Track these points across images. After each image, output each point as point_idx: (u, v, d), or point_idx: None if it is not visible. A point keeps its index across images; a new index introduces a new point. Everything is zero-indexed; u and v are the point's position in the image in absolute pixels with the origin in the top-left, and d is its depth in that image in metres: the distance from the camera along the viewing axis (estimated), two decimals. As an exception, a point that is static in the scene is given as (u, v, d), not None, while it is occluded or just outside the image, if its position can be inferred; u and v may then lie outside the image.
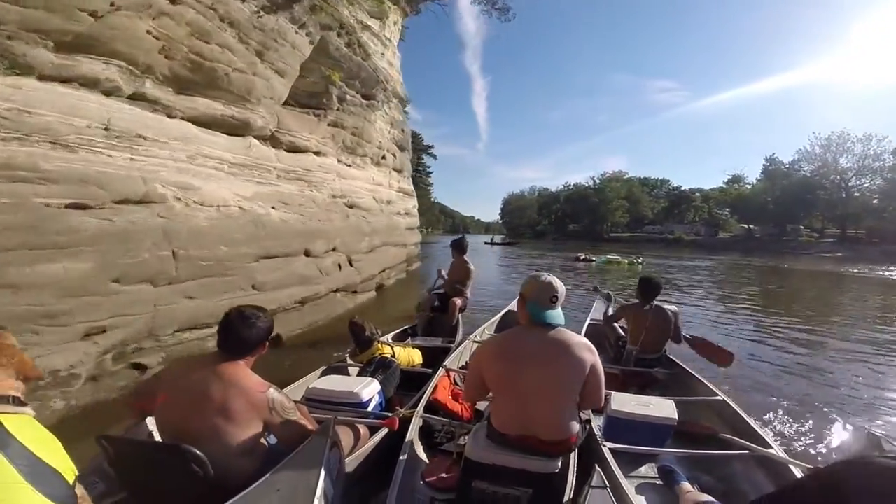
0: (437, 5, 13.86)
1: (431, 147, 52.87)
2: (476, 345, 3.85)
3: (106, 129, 3.78)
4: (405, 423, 2.36)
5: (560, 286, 1.80)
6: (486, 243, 46.32)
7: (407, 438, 2.26)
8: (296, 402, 1.96)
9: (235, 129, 5.55)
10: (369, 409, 2.52)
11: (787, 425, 3.41)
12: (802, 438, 3.22)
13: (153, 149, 4.21)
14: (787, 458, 2.17)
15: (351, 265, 7.71)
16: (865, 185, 46.78)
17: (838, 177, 48.04)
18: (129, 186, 3.71)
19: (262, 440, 1.66)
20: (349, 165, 9.17)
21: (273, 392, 1.64)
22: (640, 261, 22.00)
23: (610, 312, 4.14)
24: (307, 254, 6.23)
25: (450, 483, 1.96)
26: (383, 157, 11.27)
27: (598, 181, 76.37)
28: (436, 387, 2.94)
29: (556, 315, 1.76)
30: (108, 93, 3.96)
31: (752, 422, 2.60)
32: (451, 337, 4.47)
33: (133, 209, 3.68)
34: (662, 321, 3.49)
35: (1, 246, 2.74)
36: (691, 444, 2.48)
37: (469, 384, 1.98)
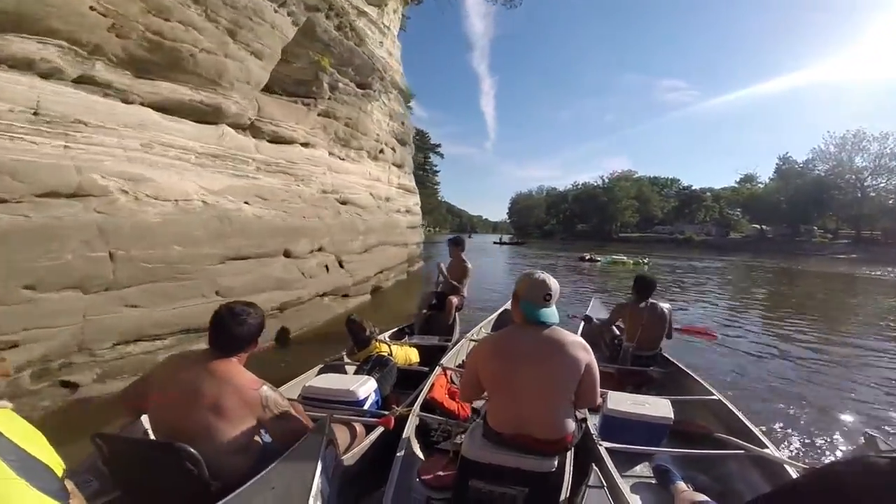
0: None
1: (439, 146, 52.51)
2: (473, 343, 3.88)
3: (35, 113, 3.25)
4: (402, 421, 2.33)
5: (554, 284, 1.77)
6: (494, 243, 47.66)
7: (403, 437, 2.22)
8: (292, 399, 2.00)
9: (205, 115, 4.98)
10: (366, 407, 2.52)
11: (787, 425, 3.40)
12: (800, 438, 3.21)
13: (97, 136, 3.66)
14: (783, 458, 2.18)
15: (342, 266, 7.16)
16: (882, 185, 45.28)
17: (853, 176, 46.61)
18: (58, 177, 3.17)
19: (257, 438, 1.64)
20: (342, 159, 8.58)
21: (266, 389, 1.62)
22: (646, 261, 21.46)
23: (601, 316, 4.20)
24: (287, 254, 5.67)
25: (446, 481, 2.00)
26: (381, 151, 10.66)
27: (606, 180, 75.40)
28: (432, 385, 2.94)
29: (550, 313, 1.74)
30: (45, 75, 3.42)
31: (747, 422, 2.58)
32: (448, 335, 4.44)
33: (60, 203, 3.14)
34: (658, 318, 3.56)
35: None
36: (687, 444, 2.48)
37: (465, 383, 1.96)
